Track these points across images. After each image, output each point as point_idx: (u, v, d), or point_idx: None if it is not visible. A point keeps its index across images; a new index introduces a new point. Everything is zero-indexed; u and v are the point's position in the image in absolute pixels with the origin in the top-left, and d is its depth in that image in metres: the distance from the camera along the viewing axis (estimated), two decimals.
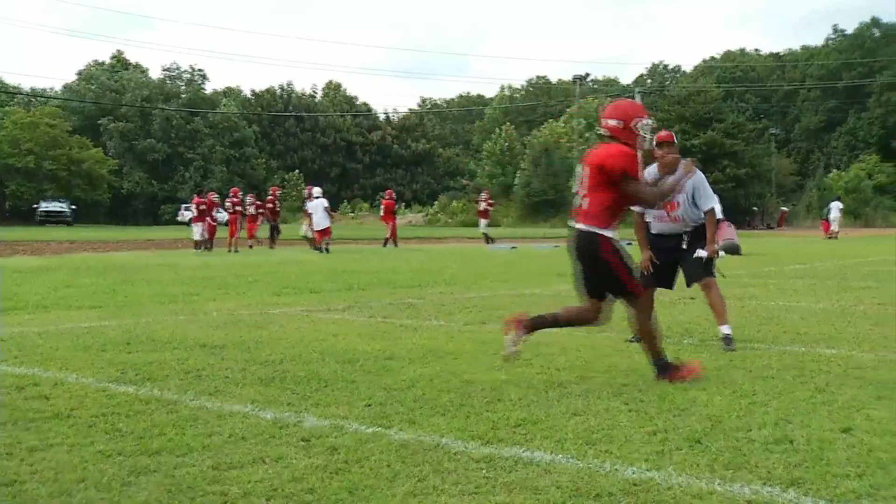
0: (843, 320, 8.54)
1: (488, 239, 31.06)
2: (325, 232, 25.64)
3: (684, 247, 7.12)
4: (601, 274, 5.51)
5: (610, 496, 3.31)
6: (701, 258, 7.06)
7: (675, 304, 10.10)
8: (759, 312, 9.28)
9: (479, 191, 33.32)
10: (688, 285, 7.28)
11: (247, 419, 4.51)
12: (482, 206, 32.64)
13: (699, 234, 7.08)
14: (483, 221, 32.49)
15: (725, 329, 6.92)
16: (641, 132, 5.52)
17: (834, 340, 7.23)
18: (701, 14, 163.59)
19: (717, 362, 6.17)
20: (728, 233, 20.92)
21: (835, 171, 72.72)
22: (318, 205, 26.21)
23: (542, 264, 17.75)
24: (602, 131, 5.60)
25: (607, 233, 5.46)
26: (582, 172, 5.61)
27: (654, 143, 6.25)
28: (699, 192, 7.10)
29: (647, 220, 7.21)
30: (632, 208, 6.82)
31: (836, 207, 39.25)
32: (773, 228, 60.19)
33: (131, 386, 5.37)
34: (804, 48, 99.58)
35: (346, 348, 6.84)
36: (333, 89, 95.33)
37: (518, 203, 64.18)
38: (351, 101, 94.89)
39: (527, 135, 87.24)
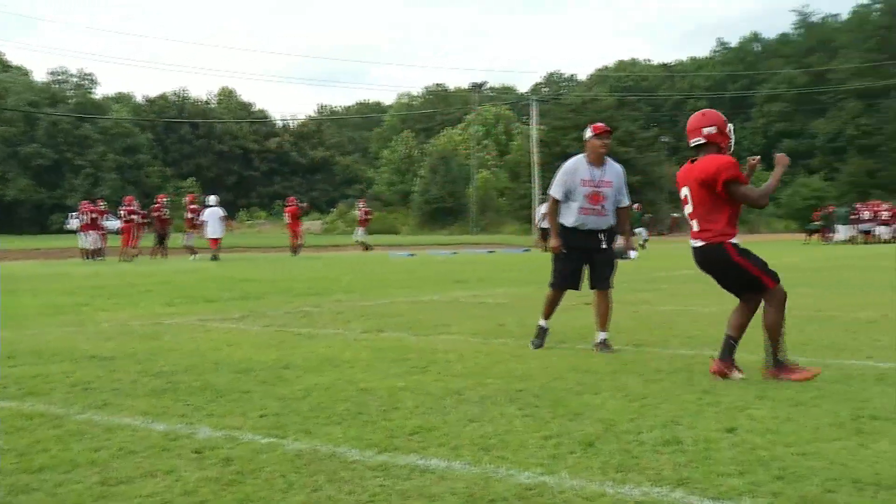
0: None
1: (366, 247, 30.82)
2: (216, 241, 25.22)
3: (603, 246, 7.15)
4: (736, 278, 5.87)
5: (504, 501, 3.33)
6: (613, 261, 7.19)
7: (571, 310, 10.25)
8: (652, 317, 9.49)
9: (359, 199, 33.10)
10: (592, 287, 7.25)
11: (137, 432, 4.38)
12: (360, 214, 32.29)
13: (614, 236, 7.23)
14: (360, 230, 32.27)
15: (605, 335, 7.14)
16: (732, 135, 5.91)
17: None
18: (594, 24, 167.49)
19: (610, 366, 6.29)
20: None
21: None
22: (213, 213, 25.71)
23: (440, 271, 17.82)
24: (698, 141, 5.81)
25: (732, 240, 5.77)
26: (688, 193, 5.82)
27: (593, 134, 6.99)
28: (624, 186, 7.25)
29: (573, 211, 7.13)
30: (552, 195, 7.14)
31: None
32: (664, 234, 61.83)
33: (13, 401, 5.16)
34: (692, 59, 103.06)
35: (241, 358, 6.72)
36: (227, 96, 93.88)
37: (416, 210, 64.34)
38: (247, 107, 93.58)
39: (425, 142, 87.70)
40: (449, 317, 9.49)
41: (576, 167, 7.13)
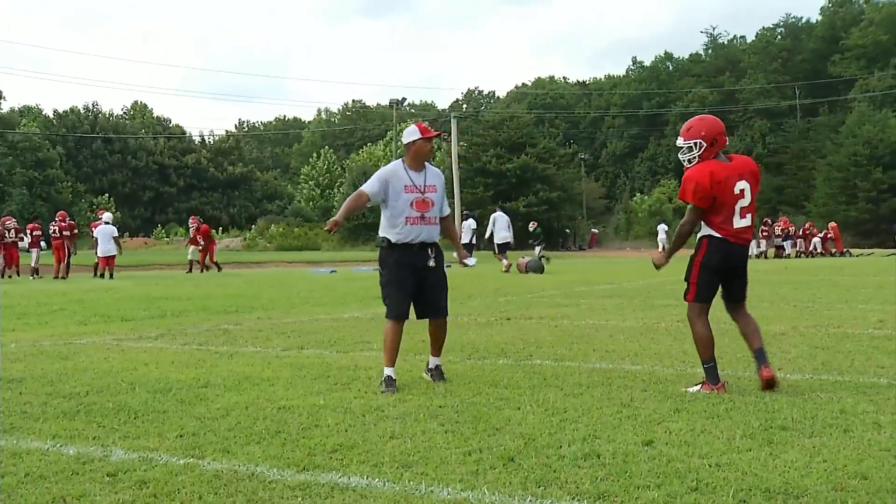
0: (647, 337, 8.93)
1: (194, 267, 28.39)
2: (110, 260, 24.41)
3: (431, 264, 6.36)
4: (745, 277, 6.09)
5: None
6: (445, 282, 6.45)
7: (492, 325, 10.32)
8: (571, 331, 9.59)
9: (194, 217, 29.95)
10: (423, 316, 6.43)
11: (46, 456, 4.25)
12: (191, 231, 29.74)
13: (440, 252, 6.47)
14: (193, 248, 29.39)
15: (438, 360, 6.53)
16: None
17: (639, 357, 7.55)
18: (512, 41, 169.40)
19: (530, 381, 6.32)
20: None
21: (639, 194, 76.89)
22: (105, 231, 24.79)
23: (362, 287, 17.74)
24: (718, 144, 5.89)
25: None
26: (746, 187, 5.82)
27: (422, 137, 6.31)
28: (444, 192, 6.60)
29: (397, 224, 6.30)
30: (364, 189, 6.28)
31: (661, 230, 44.96)
32: (584, 250, 62.78)
33: None
34: (608, 77, 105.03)
35: (158, 377, 6.58)
36: (140, 110, 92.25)
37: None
38: (163, 122, 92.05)
39: (345, 158, 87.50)
40: (370, 333, 9.45)
41: (395, 171, 6.35)
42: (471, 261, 6.93)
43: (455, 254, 6.94)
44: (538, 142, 67.37)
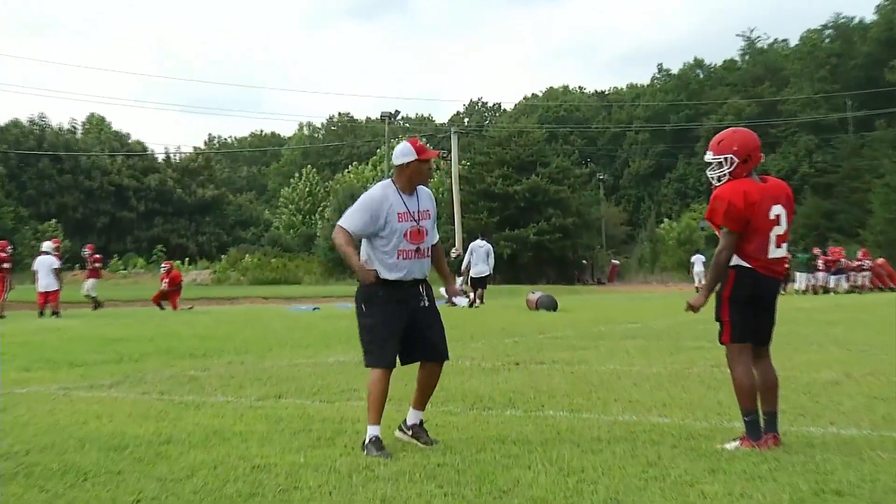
0: (677, 385, 8.92)
1: (96, 304, 28.23)
2: (51, 295, 24.22)
3: (425, 304, 6.30)
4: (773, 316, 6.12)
5: None
6: (441, 322, 6.37)
7: (499, 371, 10.30)
8: (589, 378, 9.57)
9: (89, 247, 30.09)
10: (427, 358, 6.32)
11: None
12: (89, 263, 29.82)
13: (430, 288, 6.41)
14: (90, 282, 29.20)
15: (422, 415, 6.39)
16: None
17: (667, 408, 7.54)
18: (520, 47, 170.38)
19: (542, 436, 6.30)
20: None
21: (666, 220, 76.92)
22: (44, 263, 24.62)
23: (349, 327, 17.68)
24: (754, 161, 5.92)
25: None
26: (782, 212, 5.89)
27: (418, 159, 6.18)
28: (435, 218, 6.52)
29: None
30: (343, 225, 6.12)
31: (699, 261, 43.06)
32: (604, 284, 62.75)
33: None
34: (630, 87, 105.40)
35: (112, 433, 6.55)
36: (96, 124, 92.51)
37: (322, 256, 63.97)
38: (122, 138, 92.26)
39: (330, 179, 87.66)
40: (358, 380, 9.40)
41: (384, 196, 6.20)
42: (461, 300, 6.82)
43: (443, 289, 6.72)
44: (550, 160, 67.45)
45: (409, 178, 6.25)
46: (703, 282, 6.43)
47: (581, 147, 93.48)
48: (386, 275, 6.16)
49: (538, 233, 60.49)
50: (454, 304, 6.31)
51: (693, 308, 6.14)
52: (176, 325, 19.36)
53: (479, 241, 27.30)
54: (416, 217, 6.23)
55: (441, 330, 6.35)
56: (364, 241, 6.25)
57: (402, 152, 6.26)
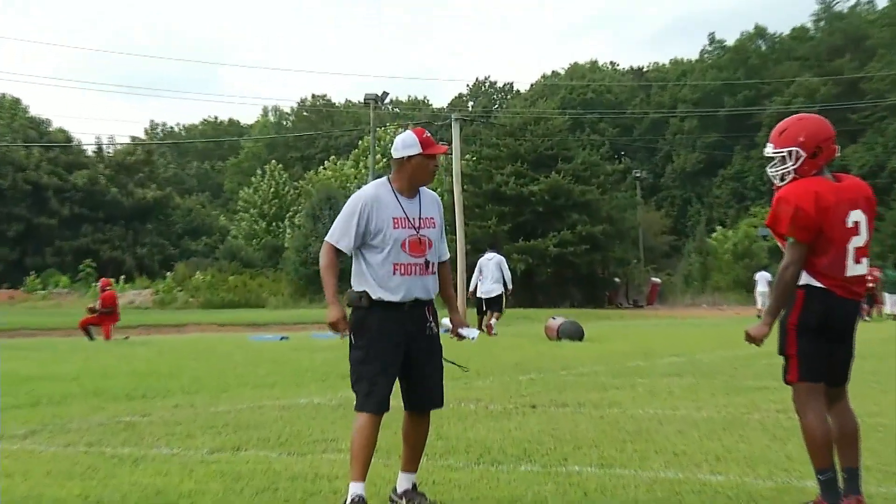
0: (733, 434, 8.90)
1: None
2: None
3: (431, 331, 6.34)
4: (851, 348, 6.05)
5: None
6: (442, 359, 6.43)
7: (511, 415, 10.26)
8: (624, 424, 9.55)
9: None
10: (418, 408, 6.38)
11: None
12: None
13: (436, 314, 6.44)
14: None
15: (415, 477, 6.40)
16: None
17: (720, 462, 7.53)
18: (537, 15, 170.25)
19: (566, 496, 6.30)
20: None
21: (719, 228, 76.71)
22: None
23: (325, 361, 17.69)
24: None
25: None
26: (861, 219, 5.86)
27: (421, 152, 6.22)
28: (443, 229, 6.57)
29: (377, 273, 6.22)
30: (331, 241, 6.26)
31: (763, 280, 42.42)
32: (641, 307, 62.61)
33: None
34: (674, 63, 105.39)
35: (24, 495, 6.55)
36: (9, 108, 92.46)
37: (291, 273, 63.93)
38: (40, 125, 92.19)
39: (302, 177, 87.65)
40: (336, 427, 9.40)
41: (377, 196, 6.27)
42: (470, 332, 6.80)
43: (446, 319, 6.72)
44: (575, 154, 67.24)
45: (411, 176, 6.28)
46: (766, 306, 6.27)
47: (613, 137, 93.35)
48: (380, 294, 6.17)
49: (560, 244, 60.15)
50: (461, 338, 6.19)
51: (754, 339, 6.01)
52: (108, 360, 19.33)
53: (488, 255, 27.25)
54: (417, 224, 6.25)
55: (440, 371, 6.39)
56: (355, 255, 6.29)
57: (404, 144, 6.28)
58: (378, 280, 6.19)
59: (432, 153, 6.27)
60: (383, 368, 6.13)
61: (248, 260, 74.44)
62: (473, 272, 27.61)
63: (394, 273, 6.17)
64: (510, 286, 27.00)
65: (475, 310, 28.15)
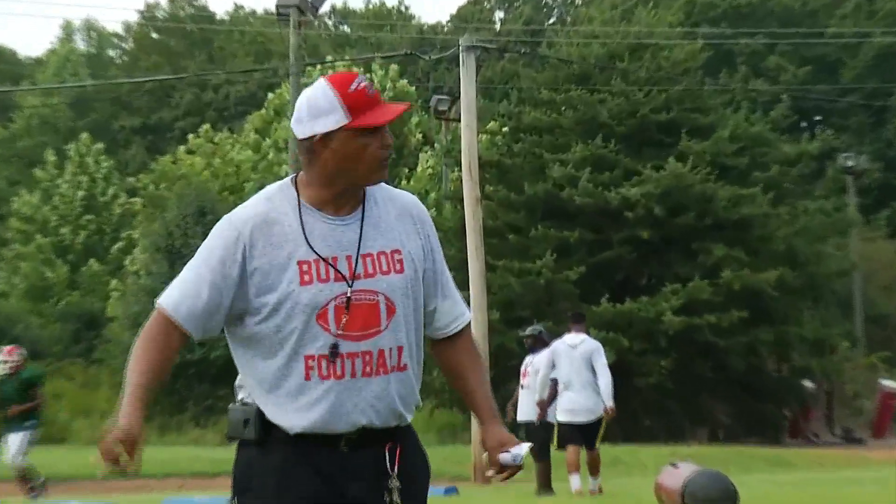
0: None
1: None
2: None
3: (388, 498, 6.40)
4: None
5: None
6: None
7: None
8: None
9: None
10: None
11: None
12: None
13: (421, 451, 6.75)
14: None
15: None
16: None
17: None
18: None
19: None
20: None
21: None
22: None
23: None
24: None
25: None
26: None
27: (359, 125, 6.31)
28: (439, 252, 6.88)
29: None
30: (164, 305, 6.41)
31: None
32: (860, 441, 62.40)
33: None
34: None
35: None
36: None
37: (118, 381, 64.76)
38: None
39: (145, 169, 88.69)
40: None
41: (266, 219, 6.43)
42: (520, 450, 6.74)
43: (482, 443, 6.95)
44: (718, 120, 66.93)
45: (332, 173, 6.38)
46: None
47: (798, 87, 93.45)
48: (280, 420, 6.34)
49: (686, 309, 59.33)
50: (508, 471, 5.94)
51: None
52: None
53: (570, 337, 28.46)
54: (352, 269, 6.37)
55: None
56: (230, 339, 6.54)
57: (313, 109, 6.37)
58: (277, 390, 6.37)
59: (372, 123, 6.31)
60: None
61: (33, 350, 74.77)
62: (524, 366, 29.26)
63: (307, 376, 6.27)
64: (611, 401, 27.76)
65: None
